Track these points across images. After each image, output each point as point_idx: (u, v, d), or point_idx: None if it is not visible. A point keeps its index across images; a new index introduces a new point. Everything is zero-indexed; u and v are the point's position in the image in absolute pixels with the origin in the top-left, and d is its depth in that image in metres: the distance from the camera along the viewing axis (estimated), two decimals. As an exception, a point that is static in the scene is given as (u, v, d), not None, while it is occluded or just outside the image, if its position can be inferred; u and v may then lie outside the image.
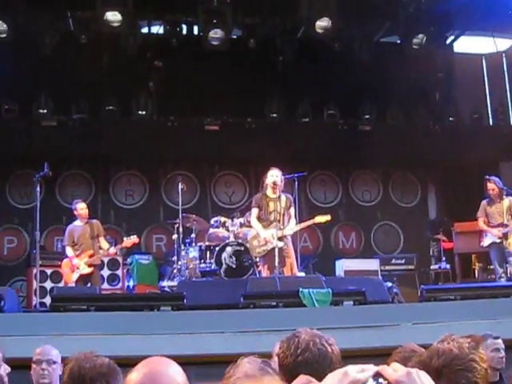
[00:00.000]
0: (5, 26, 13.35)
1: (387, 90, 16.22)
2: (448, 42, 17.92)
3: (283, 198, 10.61)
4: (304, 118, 16.01)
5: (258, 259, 10.96)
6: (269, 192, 10.60)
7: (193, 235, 12.63)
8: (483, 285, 11.09)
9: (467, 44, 18.68)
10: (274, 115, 15.84)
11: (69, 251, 11.45)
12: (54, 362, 5.12)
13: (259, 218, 10.63)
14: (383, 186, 17.32)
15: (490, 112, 18.22)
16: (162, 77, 15.37)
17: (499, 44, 18.72)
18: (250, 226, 11.16)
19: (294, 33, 16.38)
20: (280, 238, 10.36)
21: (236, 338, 7.79)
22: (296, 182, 11.43)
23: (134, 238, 11.76)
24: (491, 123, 17.85)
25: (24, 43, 14.70)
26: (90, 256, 11.34)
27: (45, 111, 15.00)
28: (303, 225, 10.89)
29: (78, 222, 11.66)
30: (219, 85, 15.64)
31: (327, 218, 11.00)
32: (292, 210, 10.67)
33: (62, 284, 12.05)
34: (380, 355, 5.77)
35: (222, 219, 12.62)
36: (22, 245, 15.47)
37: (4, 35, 13.43)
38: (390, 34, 17.06)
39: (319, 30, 14.02)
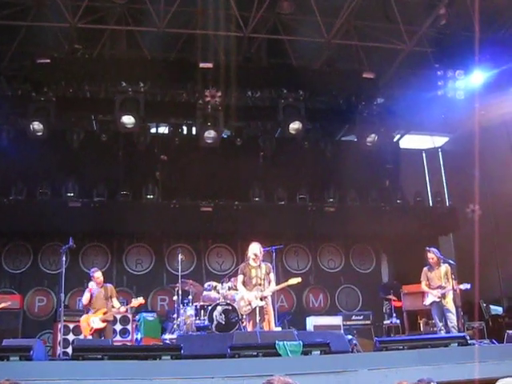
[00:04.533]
0: (41, 125, 13.51)
1: (347, 179, 16.48)
2: (395, 139, 18.33)
3: (263, 265, 10.52)
4: (280, 201, 16.16)
5: (244, 316, 10.85)
6: (251, 262, 10.55)
7: (190, 297, 12.56)
8: (427, 336, 10.99)
9: (410, 141, 19.03)
10: (256, 199, 16.00)
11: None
12: None
13: (244, 283, 10.55)
14: (345, 256, 17.35)
15: (429, 195, 18.46)
16: (167, 168, 15.55)
17: (436, 141, 19.13)
18: (237, 290, 11.08)
19: (272, 133, 16.71)
20: (261, 299, 10.31)
21: (224, 382, 7.66)
22: (274, 253, 11.42)
23: (140, 300, 11.65)
24: (431, 204, 18.06)
25: (55, 140, 14.93)
26: (104, 313, 11.23)
27: (71, 194, 15.06)
28: (279, 286, 10.79)
29: (94, 286, 11.57)
30: (212, 175, 15.96)
31: (298, 280, 10.83)
32: (271, 275, 10.54)
33: (81, 336, 11.86)
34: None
35: (214, 284, 12.58)
36: (50, 303, 15.30)
37: (40, 133, 13.58)
38: (348, 134, 17.43)
39: (292, 131, 14.24)
